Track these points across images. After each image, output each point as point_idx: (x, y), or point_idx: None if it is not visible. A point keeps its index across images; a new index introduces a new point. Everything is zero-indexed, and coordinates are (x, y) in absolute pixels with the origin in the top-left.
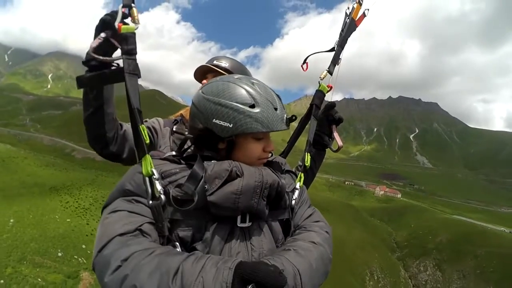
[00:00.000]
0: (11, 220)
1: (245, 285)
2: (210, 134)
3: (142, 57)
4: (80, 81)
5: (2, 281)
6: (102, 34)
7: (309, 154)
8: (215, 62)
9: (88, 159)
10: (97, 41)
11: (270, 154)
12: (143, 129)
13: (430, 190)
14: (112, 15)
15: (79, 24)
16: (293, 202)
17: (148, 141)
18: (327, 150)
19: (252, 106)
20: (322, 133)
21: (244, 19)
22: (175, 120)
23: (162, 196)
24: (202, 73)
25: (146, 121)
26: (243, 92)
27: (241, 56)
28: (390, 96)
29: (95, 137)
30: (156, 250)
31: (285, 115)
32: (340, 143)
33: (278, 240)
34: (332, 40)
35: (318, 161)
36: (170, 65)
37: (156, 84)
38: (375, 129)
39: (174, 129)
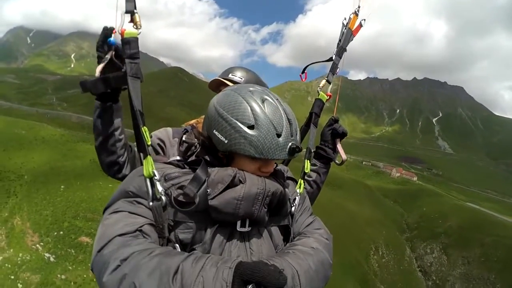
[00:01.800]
0: (62, 186)
1: (245, 285)
2: (211, 143)
3: (164, 34)
4: (84, 86)
5: (61, 232)
6: (107, 56)
7: (308, 161)
8: (230, 75)
9: None
10: (102, 65)
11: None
12: (145, 131)
13: (448, 176)
14: (106, 33)
15: (99, 3)
16: (293, 209)
17: (149, 143)
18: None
19: (251, 127)
20: (326, 146)
21: None
22: (185, 129)
23: (163, 197)
24: (216, 86)
25: (151, 136)
26: (247, 109)
27: (264, 32)
28: (415, 77)
29: (108, 164)
30: (156, 250)
31: (291, 144)
32: (344, 156)
33: (278, 246)
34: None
35: (323, 175)
36: (192, 42)
37: (178, 61)
38: (398, 111)
39: (183, 139)
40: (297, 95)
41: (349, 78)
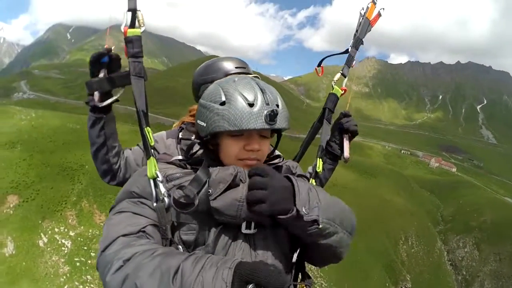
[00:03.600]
0: None
1: (245, 285)
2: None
3: (201, 24)
4: (90, 86)
5: None
6: (101, 74)
7: (321, 159)
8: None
9: (158, 124)
10: (100, 77)
11: (258, 155)
12: (148, 131)
13: (489, 168)
14: (101, 54)
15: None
16: None
17: (153, 143)
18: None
19: (223, 103)
20: (334, 142)
21: None
22: (180, 127)
23: (166, 199)
24: None
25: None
26: (218, 89)
27: (301, 16)
28: (458, 61)
29: (104, 171)
30: (158, 250)
31: (266, 111)
32: (346, 154)
33: (285, 248)
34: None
35: (328, 171)
36: (228, 30)
37: (215, 48)
38: (440, 97)
39: (180, 136)
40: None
41: (389, 62)
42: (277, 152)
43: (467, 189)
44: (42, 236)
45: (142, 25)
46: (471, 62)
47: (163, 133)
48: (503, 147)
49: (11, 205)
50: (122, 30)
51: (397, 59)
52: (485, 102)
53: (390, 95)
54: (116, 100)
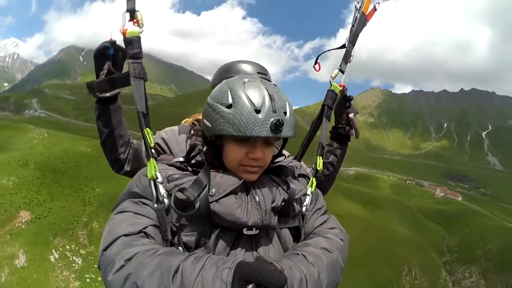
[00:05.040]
0: None
1: (245, 285)
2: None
3: (210, 53)
4: (91, 87)
5: None
6: (105, 67)
7: (321, 157)
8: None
9: None
10: (101, 79)
11: (261, 163)
12: (147, 132)
13: (496, 195)
14: (106, 47)
15: (147, 23)
16: (304, 209)
17: (152, 144)
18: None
19: (229, 106)
20: (342, 125)
21: (309, 11)
22: (193, 123)
23: (166, 200)
24: None
25: (154, 134)
26: (227, 92)
27: (307, 48)
28: (462, 89)
29: (111, 161)
30: (159, 250)
31: (273, 119)
32: (356, 132)
33: (288, 249)
34: (393, 26)
35: (340, 155)
36: (236, 59)
37: None
38: (445, 125)
39: (192, 132)
40: None
41: (393, 91)
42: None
43: (473, 218)
44: (54, 252)
45: (141, 26)
46: (474, 88)
47: (175, 128)
48: (510, 172)
49: (23, 220)
50: (121, 32)
51: (402, 88)
52: (490, 128)
53: (395, 124)
54: (118, 92)
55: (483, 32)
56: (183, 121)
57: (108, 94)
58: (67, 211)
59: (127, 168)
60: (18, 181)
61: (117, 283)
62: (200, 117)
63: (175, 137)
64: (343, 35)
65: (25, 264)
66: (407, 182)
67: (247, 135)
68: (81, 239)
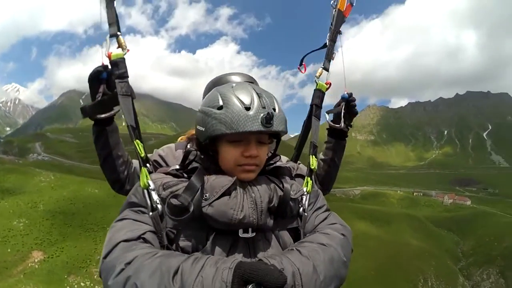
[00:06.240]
0: None
1: (245, 285)
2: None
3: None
4: (84, 111)
5: None
6: (100, 90)
7: (313, 156)
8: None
9: None
10: (96, 102)
11: (257, 161)
12: (137, 143)
13: (505, 192)
14: (99, 71)
15: (146, 66)
16: (301, 209)
17: (143, 154)
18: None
19: (220, 108)
20: (337, 121)
21: (300, 39)
22: (188, 138)
23: (159, 206)
24: None
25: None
26: (216, 95)
27: (302, 75)
28: (457, 93)
29: (111, 181)
30: (158, 253)
31: (263, 114)
32: (341, 123)
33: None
34: (382, 43)
35: (339, 151)
36: (224, 73)
37: None
38: (446, 132)
39: (188, 147)
40: None
41: (390, 107)
42: (282, 158)
43: (485, 219)
44: None
45: (125, 48)
46: (469, 91)
47: (172, 145)
48: None
49: (36, 260)
50: (106, 55)
51: (398, 102)
52: (490, 127)
53: (396, 139)
54: (113, 115)
55: (470, 35)
56: (179, 138)
57: (103, 116)
58: (79, 250)
59: (127, 187)
60: (28, 222)
61: (118, 287)
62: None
63: (172, 153)
64: (336, 58)
65: None
66: (414, 194)
67: (240, 131)
68: (95, 276)
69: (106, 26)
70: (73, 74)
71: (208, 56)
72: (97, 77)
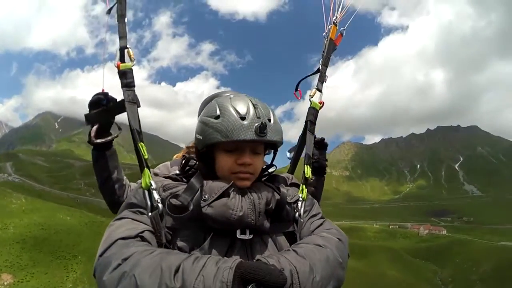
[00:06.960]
0: None
1: (246, 284)
2: (197, 152)
3: (185, 122)
4: (88, 119)
5: None
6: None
7: (308, 166)
8: None
9: None
10: (95, 128)
11: (251, 169)
12: (142, 146)
13: (479, 220)
14: (100, 98)
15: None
16: (297, 214)
17: (146, 156)
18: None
19: (217, 117)
20: (315, 160)
21: (278, 77)
22: (184, 156)
23: (160, 205)
24: None
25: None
26: (214, 105)
27: (278, 112)
28: (428, 128)
29: (110, 203)
30: (157, 250)
31: (257, 124)
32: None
33: None
34: (356, 83)
35: (320, 186)
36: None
37: None
38: (419, 165)
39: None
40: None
41: (364, 143)
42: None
43: (461, 246)
44: None
45: (133, 60)
46: (440, 126)
47: (167, 163)
48: (488, 195)
49: (5, 283)
50: (115, 65)
51: (372, 139)
52: (462, 159)
53: (371, 174)
54: (112, 139)
55: (438, 73)
56: (175, 156)
57: (103, 140)
58: (51, 277)
59: None
60: None
61: (113, 282)
62: (191, 145)
63: (168, 170)
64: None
65: None
66: (390, 227)
67: (234, 139)
68: None
69: (108, 43)
70: (50, 95)
71: (187, 89)
72: (98, 103)
